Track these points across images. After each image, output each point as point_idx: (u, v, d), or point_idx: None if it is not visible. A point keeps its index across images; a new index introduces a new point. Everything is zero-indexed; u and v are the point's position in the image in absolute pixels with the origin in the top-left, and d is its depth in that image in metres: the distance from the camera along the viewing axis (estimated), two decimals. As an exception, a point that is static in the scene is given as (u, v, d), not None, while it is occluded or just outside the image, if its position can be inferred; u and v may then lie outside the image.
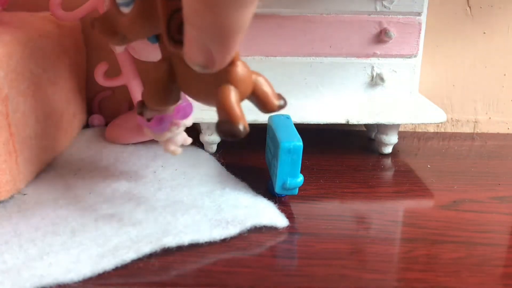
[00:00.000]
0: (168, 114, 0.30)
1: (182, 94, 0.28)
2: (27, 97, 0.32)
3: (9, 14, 0.39)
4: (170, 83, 0.26)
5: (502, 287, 0.25)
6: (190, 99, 0.28)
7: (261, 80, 0.26)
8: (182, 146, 0.33)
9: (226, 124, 0.22)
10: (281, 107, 0.27)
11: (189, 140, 0.33)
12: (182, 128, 0.32)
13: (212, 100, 0.24)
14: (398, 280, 0.25)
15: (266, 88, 0.26)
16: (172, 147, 0.32)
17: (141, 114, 0.30)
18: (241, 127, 0.23)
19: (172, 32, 0.22)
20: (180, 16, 0.21)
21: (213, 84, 0.24)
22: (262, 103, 0.26)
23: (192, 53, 0.20)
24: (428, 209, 0.33)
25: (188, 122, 0.32)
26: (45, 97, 0.35)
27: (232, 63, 0.23)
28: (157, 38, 0.26)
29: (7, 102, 0.29)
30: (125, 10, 0.24)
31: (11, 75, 0.30)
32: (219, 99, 0.23)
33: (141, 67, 0.42)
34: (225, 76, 0.23)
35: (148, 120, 0.30)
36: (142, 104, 0.29)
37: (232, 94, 0.23)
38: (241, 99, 0.24)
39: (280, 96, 0.27)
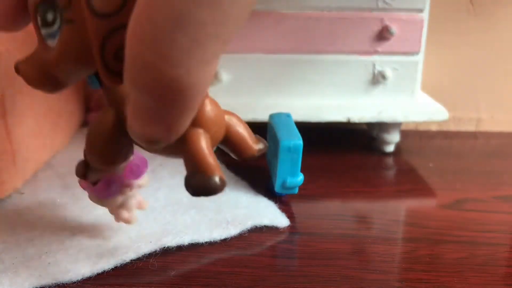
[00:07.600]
0: (118, 174, 0.24)
1: (134, 149, 0.23)
2: (24, 95, 0.32)
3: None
4: (118, 136, 0.21)
5: (505, 287, 0.25)
6: (145, 152, 0.22)
7: (234, 121, 0.21)
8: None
9: (198, 176, 0.18)
10: (260, 151, 0.23)
11: (146, 204, 0.27)
12: (136, 190, 0.25)
13: (177, 151, 0.19)
14: (400, 281, 0.25)
15: (241, 129, 0.21)
16: (126, 214, 0.25)
17: (83, 177, 0.23)
18: (217, 179, 0.18)
19: (107, 59, 0.16)
20: (117, 38, 0.16)
21: None
22: (238, 148, 0.22)
23: (140, 124, 0.15)
24: (431, 209, 0.33)
25: (144, 181, 0.25)
26: (42, 95, 0.34)
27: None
28: (99, 82, 0.20)
29: (3, 100, 0.29)
30: (52, 42, 0.18)
31: (8, 73, 0.30)
32: (187, 147, 0.18)
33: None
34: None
35: (94, 183, 0.24)
36: (84, 164, 0.23)
37: (203, 140, 0.19)
38: (213, 145, 0.20)
39: (259, 139, 0.23)
